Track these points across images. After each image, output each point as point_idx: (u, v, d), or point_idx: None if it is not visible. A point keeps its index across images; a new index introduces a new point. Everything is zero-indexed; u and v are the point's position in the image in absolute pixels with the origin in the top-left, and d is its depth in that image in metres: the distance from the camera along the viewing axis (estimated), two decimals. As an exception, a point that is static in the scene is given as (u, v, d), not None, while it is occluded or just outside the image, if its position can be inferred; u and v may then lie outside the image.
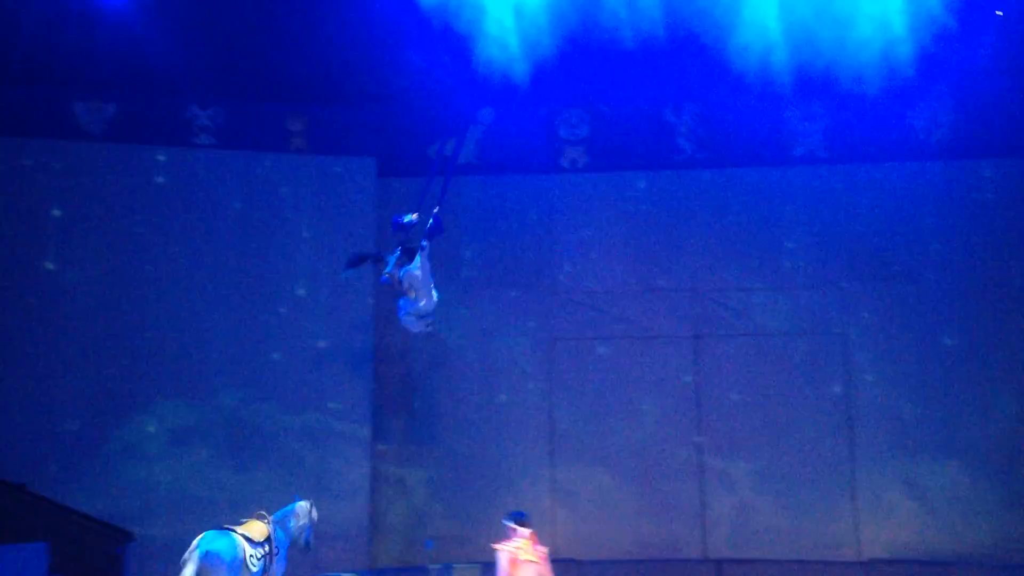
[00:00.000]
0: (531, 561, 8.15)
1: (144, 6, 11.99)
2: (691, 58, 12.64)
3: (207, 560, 8.33)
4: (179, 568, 8.29)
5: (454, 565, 12.15)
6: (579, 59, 12.56)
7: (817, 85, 12.71)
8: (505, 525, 8.37)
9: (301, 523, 9.20)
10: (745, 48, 12.25)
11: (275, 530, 8.92)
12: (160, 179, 12.92)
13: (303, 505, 9.32)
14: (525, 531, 8.26)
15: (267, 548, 8.77)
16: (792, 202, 13.12)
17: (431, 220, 9.71)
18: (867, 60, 12.39)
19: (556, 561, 12.05)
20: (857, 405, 12.72)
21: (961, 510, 12.35)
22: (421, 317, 9.40)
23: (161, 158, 12.94)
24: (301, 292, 12.95)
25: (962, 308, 12.78)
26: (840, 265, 12.99)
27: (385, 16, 12.28)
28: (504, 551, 8.18)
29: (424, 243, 9.56)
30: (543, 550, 8.35)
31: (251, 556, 8.53)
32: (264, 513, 8.94)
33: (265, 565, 8.68)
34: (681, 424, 12.82)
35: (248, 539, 8.61)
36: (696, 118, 13.27)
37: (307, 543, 9.28)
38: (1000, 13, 12.56)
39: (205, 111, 13.04)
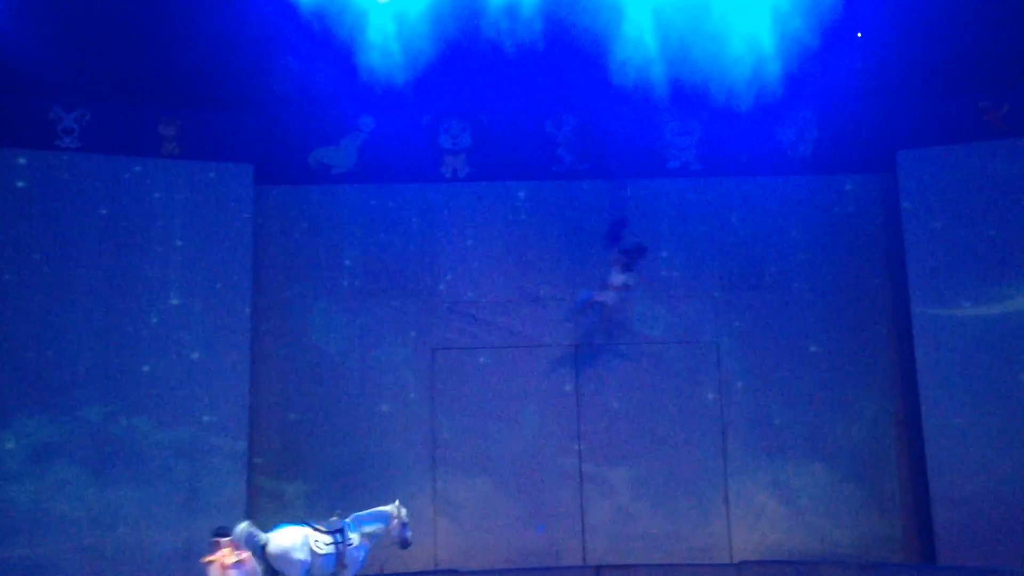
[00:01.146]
0: (237, 562, 9.04)
1: (4, 2, 11.16)
2: (571, 71, 12.69)
3: (275, 539, 9.51)
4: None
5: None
6: (461, 69, 12.47)
7: (692, 100, 12.97)
8: (211, 541, 9.12)
9: (390, 524, 10.23)
10: (624, 63, 12.37)
11: (350, 525, 9.98)
12: (21, 183, 12.16)
13: (389, 508, 10.32)
14: (225, 540, 9.09)
15: (340, 539, 9.80)
16: (667, 213, 13.30)
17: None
18: (739, 77, 12.67)
19: (437, 572, 11.92)
20: (729, 411, 12.93)
21: (826, 510, 12.71)
22: None
23: (22, 161, 12.23)
24: (174, 301, 12.40)
25: (826, 317, 13.18)
26: (713, 275, 13.22)
27: (264, 20, 11.88)
28: (212, 562, 9.00)
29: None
30: (246, 554, 9.17)
31: (317, 541, 9.65)
32: (340, 513, 10.11)
33: (338, 552, 9.74)
34: (562, 432, 12.80)
35: (316, 528, 9.75)
36: (576, 130, 13.30)
37: (403, 540, 10.31)
38: (860, 35, 12.91)
39: (70, 113, 12.34)
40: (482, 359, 12.94)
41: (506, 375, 12.89)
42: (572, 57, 12.50)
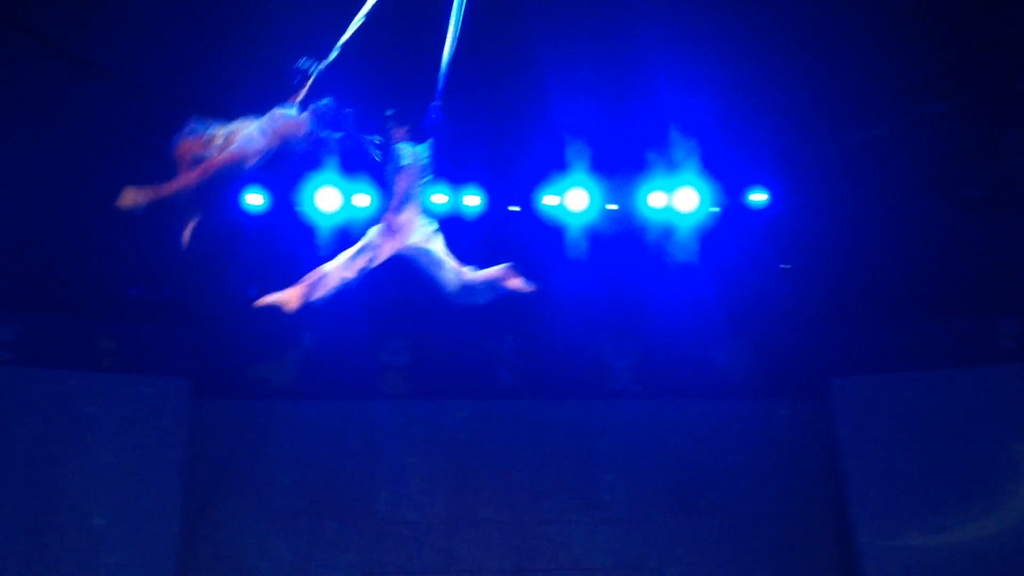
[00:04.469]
0: None
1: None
2: (512, 291, 12.15)
3: None
4: None
5: None
6: (402, 286, 11.92)
7: (630, 324, 12.64)
8: None
9: None
10: (562, 285, 11.96)
11: None
12: (-51, 396, 11.20)
13: None
14: None
15: None
16: (609, 435, 12.72)
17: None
18: (674, 303, 12.27)
19: None
20: (677, 643, 11.66)
21: None
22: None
23: (-47, 375, 11.28)
24: (99, 522, 11.17)
25: (770, 543, 12.47)
26: (655, 499, 12.51)
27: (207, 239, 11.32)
28: None
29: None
30: None
31: None
32: None
33: None
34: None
35: None
36: (516, 349, 12.78)
37: None
38: (787, 267, 12.78)
39: (6, 327, 11.49)
40: (420, 583, 11.75)
41: (444, 600, 11.65)
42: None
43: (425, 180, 6.58)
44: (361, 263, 6.52)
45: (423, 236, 6.64)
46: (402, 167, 6.42)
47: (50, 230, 11.30)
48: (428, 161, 6.57)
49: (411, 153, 6.45)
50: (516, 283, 6.71)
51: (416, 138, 6.49)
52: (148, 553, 11.23)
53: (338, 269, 6.49)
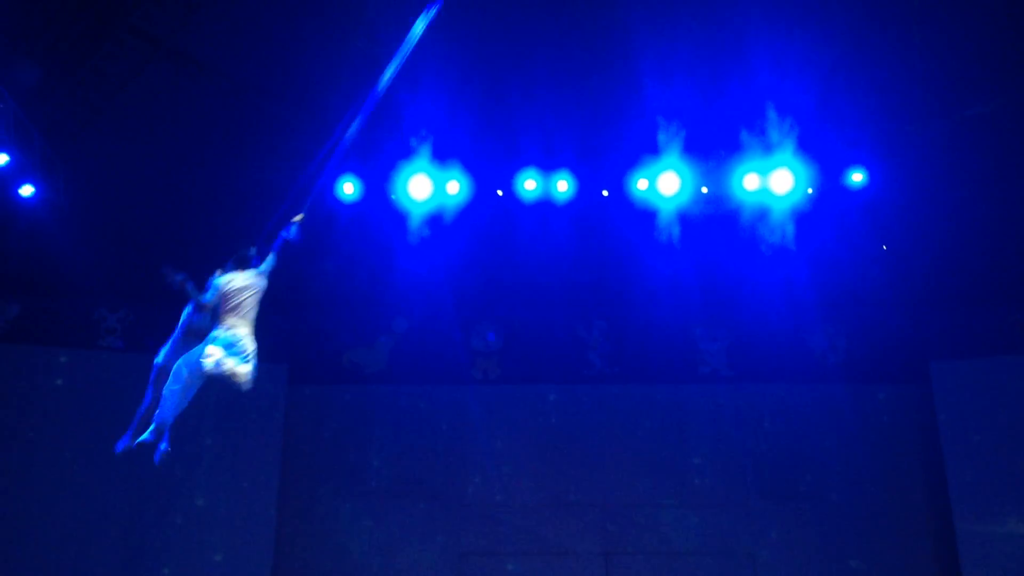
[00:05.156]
0: None
1: (57, 208, 10.89)
2: (602, 275, 12.16)
3: None
4: None
5: None
6: (493, 272, 11.96)
7: (721, 307, 12.45)
8: None
9: None
10: (653, 269, 11.72)
11: None
12: (59, 381, 11.53)
13: None
14: None
15: None
16: (699, 419, 12.55)
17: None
18: (767, 286, 11.92)
19: None
20: (771, 629, 11.49)
21: None
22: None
23: (63, 359, 11.65)
24: (199, 502, 11.54)
25: (866, 529, 12.18)
26: (747, 483, 12.32)
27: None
28: None
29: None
30: None
31: None
32: None
33: None
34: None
35: None
36: (606, 334, 12.68)
37: None
38: (885, 247, 12.35)
39: (114, 313, 11.82)
40: (510, 566, 11.83)
41: (536, 583, 11.67)
42: (602, 262, 12.05)
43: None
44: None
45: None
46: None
47: (147, 224, 11.54)
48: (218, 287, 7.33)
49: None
50: (229, 363, 7.16)
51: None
52: (246, 532, 11.54)
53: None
